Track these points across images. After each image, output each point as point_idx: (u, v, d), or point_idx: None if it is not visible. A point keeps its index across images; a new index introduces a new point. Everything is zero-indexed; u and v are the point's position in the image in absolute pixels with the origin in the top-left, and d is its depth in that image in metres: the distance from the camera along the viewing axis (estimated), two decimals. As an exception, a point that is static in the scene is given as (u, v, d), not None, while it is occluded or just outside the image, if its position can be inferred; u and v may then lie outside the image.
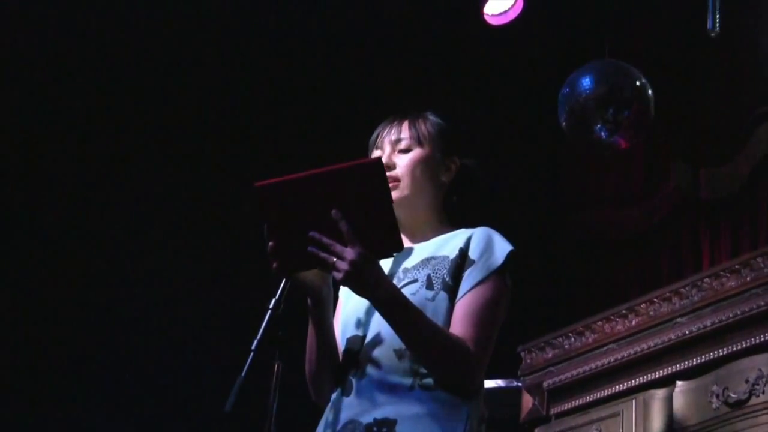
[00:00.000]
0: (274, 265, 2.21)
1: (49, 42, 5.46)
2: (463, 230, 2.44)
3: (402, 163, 2.47)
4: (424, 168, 2.47)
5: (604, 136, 4.72)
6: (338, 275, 2.17)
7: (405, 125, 2.51)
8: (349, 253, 2.15)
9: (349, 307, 2.44)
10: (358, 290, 2.24)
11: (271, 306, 2.19)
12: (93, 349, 5.64)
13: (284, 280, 2.23)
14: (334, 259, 2.16)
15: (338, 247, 2.16)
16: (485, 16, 5.16)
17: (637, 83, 4.73)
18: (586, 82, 4.73)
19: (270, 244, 2.20)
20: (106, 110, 5.74)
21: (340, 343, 2.42)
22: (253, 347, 2.13)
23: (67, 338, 5.61)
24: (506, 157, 5.75)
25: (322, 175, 2.17)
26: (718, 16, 4.09)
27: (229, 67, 5.78)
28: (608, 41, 5.09)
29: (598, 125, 4.70)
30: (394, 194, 2.42)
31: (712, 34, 4.07)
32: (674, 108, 5.42)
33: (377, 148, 2.51)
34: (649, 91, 4.75)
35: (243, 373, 2.09)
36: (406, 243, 2.48)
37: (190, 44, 5.64)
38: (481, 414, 2.31)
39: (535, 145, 6.08)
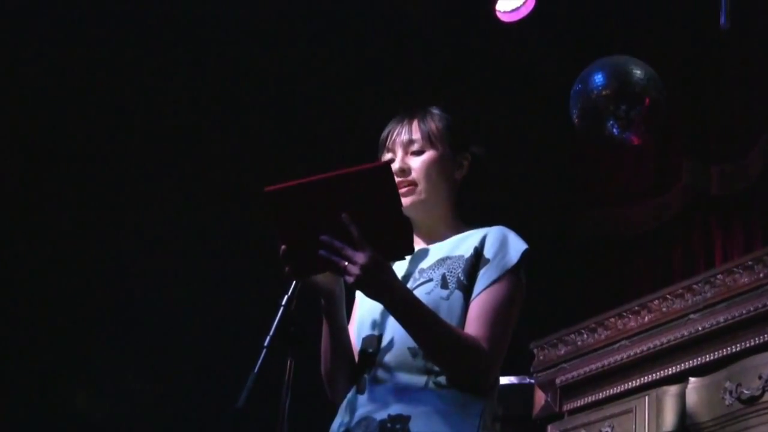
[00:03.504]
0: (287, 268, 2.21)
1: (50, 42, 5.47)
2: (478, 229, 2.44)
3: (417, 166, 2.46)
4: (438, 169, 2.47)
5: (615, 133, 4.72)
6: (349, 279, 2.17)
7: (415, 125, 2.50)
8: (360, 257, 2.15)
9: (365, 308, 2.45)
10: (370, 294, 2.24)
11: (283, 303, 2.19)
12: (105, 347, 5.65)
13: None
14: (345, 263, 2.16)
15: (349, 251, 2.15)
16: (497, 13, 5.16)
17: (649, 79, 4.73)
18: (598, 78, 4.72)
19: (282, 248, 2.20)
20: (114, 111, 5.75)
21: (356, 343, 2.43)
22: (265, 344, 2.14)
23: (79, 336, 5.63)
24: (518, 154, 5.75)
25: (331, 180, 2.16)
26: (730, 12, 4.08)
27: (238, 65, 5.78)
28: (620, 37, 5.09)
29: (610, 121, 4.69)
30: (412, 198, 2.43)
31: (724, 30, 4.07)
32: (686, 104, 5.42)
33: (388, 150, 2.51)
34: (661, 88, 4.74)
35: (255, 370, 2.10)
36: (423, 244, 2.49)
37: (195, 44, 5.64)
38: (494, 412, 2.31)
39: (547, 142, 6.08)
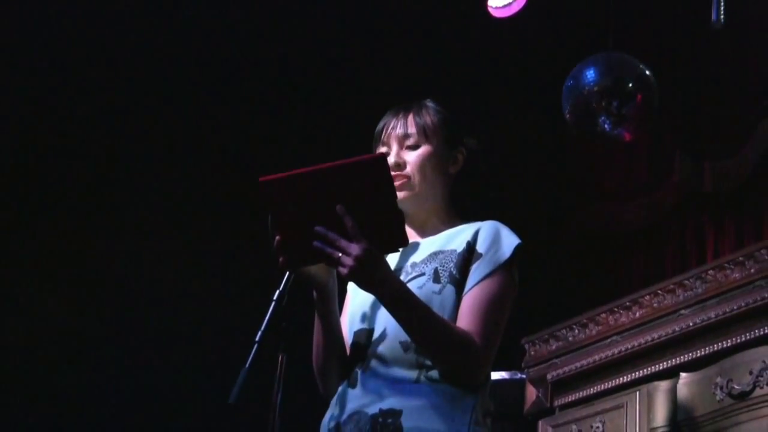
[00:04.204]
0: (281, 259, 2.21)
1: (47, 39, 5.46)
2: (471, 224, 2.44)
3: (411, 160, 2.46)
4: (433, 164, 2.48)
5: (608, 129, 4.72)
6: (343, 271, 2.17)
7: (410, 119, 2.50)
8: (354, 248, 2.15)
9: (357, 301, 2.45)
10: (363, 286, 2.24)
11: (275, 298, 2.19)
12: (97, 342, 5.65)
13: (288, 272, 2.24)
14: (339, 255, 2.17)
15: (343, 243, 2.15)
16: (489, 9, 5.15)
17: (642, 75, 4.73)
18: (590, 74, 4.72)
19: (276, 238, 2.20)
20: (107, 109, 5.75)
21: (348, 337, 2.43)
22: (257, 339, 2.14)
23: (71, 330, 5.63)
24: (510, 150, 5.75)
25: (327, 171, 2.17)
26: (722, 7, 4.08)
27: (232, 60, 5.78)
28: (612, 33, 5.08)
29: (602, 117, 4.69)
30: (406, 192, 2.43)
31: (717, 27, 4.07)
32: (678, 100, 5.42)
33: (383, 144, 2.51)
34: (653, 83, 4.74)
35: (247, 365, 2.10)
36: (416, 237, 2.49)
37: (191, 36, 5.64)
38: (486, 407, 2.31)
39: (539, 138, 6.08)
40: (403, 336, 2.27)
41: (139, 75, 5.68)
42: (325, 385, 2.43)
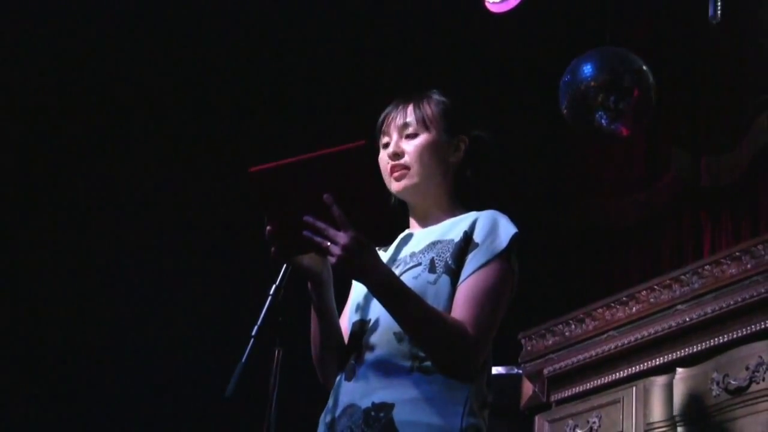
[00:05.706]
0: (272, 249, 2.21)
1: (43, 34, 5.46)
2: (471, 213, 2.43)
3: (410, 149, 2.46)
4: (432, 152, 2.47)
5: (605, 124, 4.72)
6: (332, 260, 2.17)
7: (410, 109, 2.51)
8: (342, 237, 2.15)
9: (356, 292, 2.46)
10: (352, 275, 2.24)
11: (271, 292, 2.19)
12: (93, 337, 5.64)
13: (285, 266, 2.24)
14: (328, 244, 2.17)
15: (331, 232, 2.16)
16: (487, 4, 5.15)
17: (638, 70, 4.73)
18: (587, 69, 4.72)
19: (267, 228, 2.20)
20: (101, 104, 5.75)
21: (347, 327, 2.43)
22: (253, 333, 2.14)
23: (67, 325, 5.63)
24: (507, 144, 5.74)
25: (312, 160, 2.18)
26: (719, 3, 4.09)
27: (230, 54, 5.77)
28: (609, 28, 5.08)
29: (599, 113, 4.69)
30: (405, 182, 2.44)
31: (714, 22, 4.07)
32: (675, 95, 5.42)
33: (384, 134, 2.51)
34: (650, 79, 4.74)
35: (243, 359, 2.10)
36: (418, 227, 2.49)
37: (188, 32, 5.63)
38: (483, 398, 2.30)
39: (537, 133, 6.08)
40: (397, 327, 2.26)
41: (131, 68, 5.68)
42: (323, 375, 2.43)
